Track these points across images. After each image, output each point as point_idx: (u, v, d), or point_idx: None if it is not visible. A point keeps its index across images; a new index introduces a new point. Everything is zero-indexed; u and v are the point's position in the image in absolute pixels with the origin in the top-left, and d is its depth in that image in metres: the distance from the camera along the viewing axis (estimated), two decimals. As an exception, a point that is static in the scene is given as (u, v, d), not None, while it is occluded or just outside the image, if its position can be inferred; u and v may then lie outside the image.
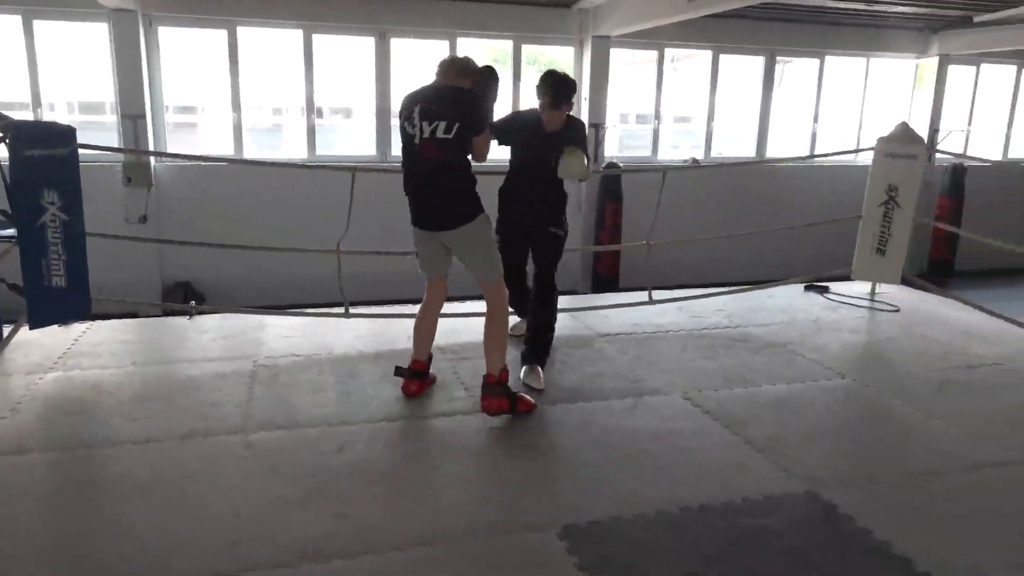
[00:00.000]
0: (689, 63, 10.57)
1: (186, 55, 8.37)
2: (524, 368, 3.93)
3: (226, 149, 8.44)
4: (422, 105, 3.29)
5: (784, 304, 5.55)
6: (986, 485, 2.99)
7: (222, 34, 8.14)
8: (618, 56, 9.44)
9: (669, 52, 9.76)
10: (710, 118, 10.03)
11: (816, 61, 10.21)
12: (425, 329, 3.73)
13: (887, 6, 8.83)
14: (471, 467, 3.08)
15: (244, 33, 8.22)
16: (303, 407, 3.57)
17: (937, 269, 10.42)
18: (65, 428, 3.31)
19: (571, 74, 10.06)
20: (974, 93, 11.04)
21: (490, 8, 8.60)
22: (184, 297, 8.06)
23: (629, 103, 10.42)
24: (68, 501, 2.76)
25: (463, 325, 4.82)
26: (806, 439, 3.34)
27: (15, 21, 7.55)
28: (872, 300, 5.61)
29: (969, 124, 11.14)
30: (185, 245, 5.61)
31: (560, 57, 9.86)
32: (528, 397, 3.59)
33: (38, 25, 7.62)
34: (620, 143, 10.43)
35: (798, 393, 3.88)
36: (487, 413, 3.44)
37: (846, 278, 5.86)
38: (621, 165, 9.33)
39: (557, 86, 3.79)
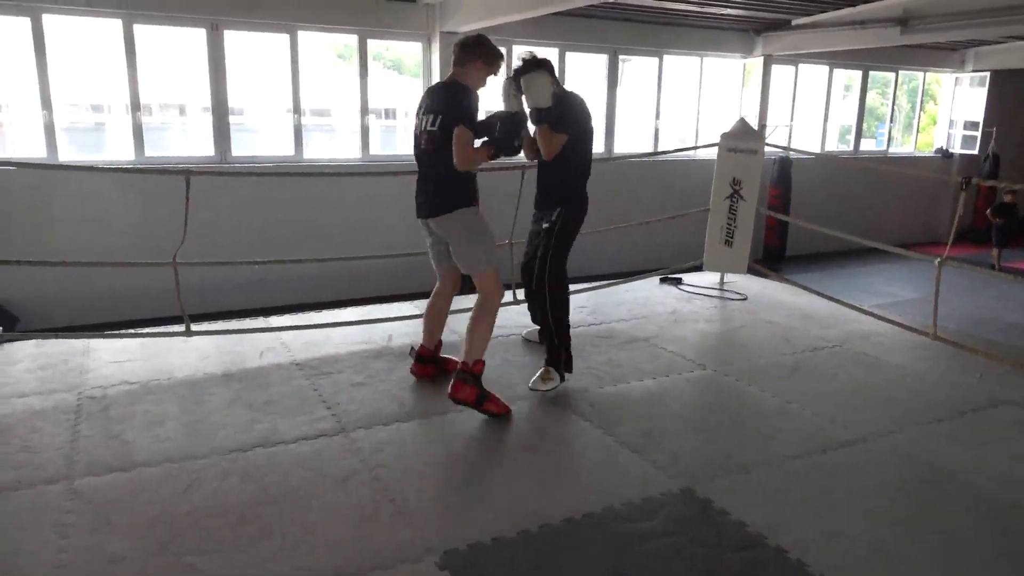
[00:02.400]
0: (536, 59, 10.66)
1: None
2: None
3: (37, 150, 7.50)
4: (425, 99, 3.57)
5: (642, 297, 5.67)
6: (845, 464, 3.15)
7: (24, 22, 7.21)
8: (466, 52, 9.34)
9: (516, 49, 9.78)
10: (560, 115, 10.16)
11: (655, 60, 10.62)
12: (432, 315, 3.87)
13: (717, 8, 9.32)
14: (339, 497, 2.82)
15: (52, 21, 7.33)
16: (140, 443, 3.17)
17: (771, 255, 11.18)
18: None
19: (420, 72, 9.84)
20: (794, 90, 11.93)
21: (332, 0, 8.22)
22: (-8, 320, 7.10)
23: (483, 100, 10.36)
24: None
25: (323, 336, 4.54)
26: (676, 434, 3.38)
27: None
28: (722, 290, 5.87)
29: (791, 119, 12.04)
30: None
31: (408, 53, 9.63)
32: (501, 402, 3.48)
33: None
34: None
35: (664, 387, 3.94)
36: (451, 398, 3.40)
37: (697, 269, 6.09)
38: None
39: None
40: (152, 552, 2.44)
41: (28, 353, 4.22)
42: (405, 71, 10.26)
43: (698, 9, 9.28)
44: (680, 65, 10.96)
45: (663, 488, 2.88)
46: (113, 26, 7.47)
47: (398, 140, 10.48)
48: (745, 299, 5.67)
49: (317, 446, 3.20)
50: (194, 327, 4.31)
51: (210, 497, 2.77)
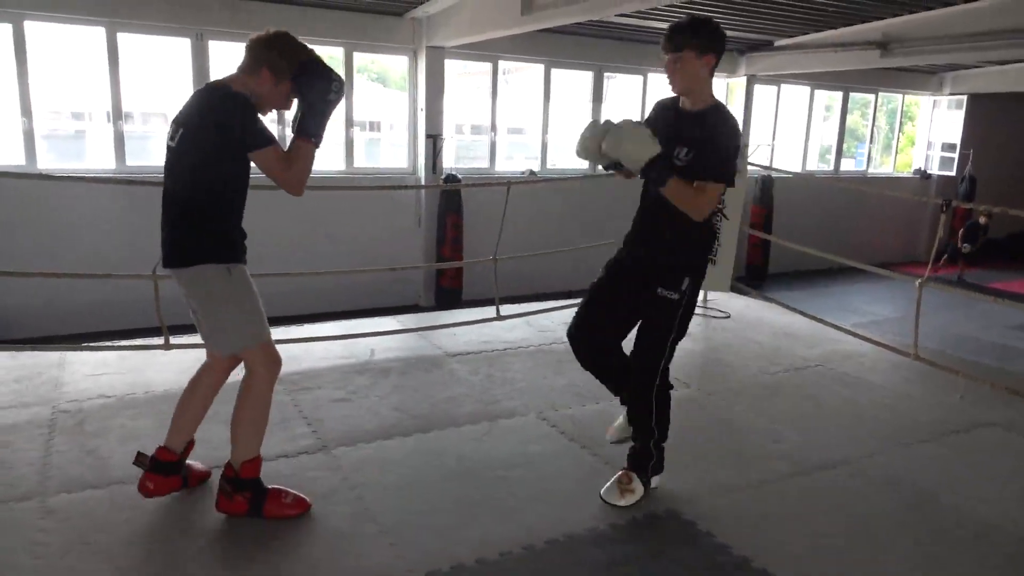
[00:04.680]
0: (520, 75, 10.71)
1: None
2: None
3: (15, 158, 7.40)
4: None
5: (626, 314, 5.67)
6: (829, 486, 3.15)
7: (5, 28, 7.12)
8: (452, 67, 9.36)
9: (502, 65, 9.83)
10: (544, 130, 10.21)
11: (640, 78, 10.71)
12: (186, 405, 2.83)
13: (702, 28, 9.43)
14: (321, 516, 2.77)
15: (33, 28, 7.25)
16: (116, 459, 3.10)
17: (753, 273, 11.27)
18: None
19: (405, 85, 9.84)
20: (776, 110, 12.08)
21: (318, 13, 8.20)
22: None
23: (464, 114, 10.38)
24: None
25: (303, 351, 4.49)
26: (711, 445, 3.37)
27: None
28: (705, 307, 5.88)
29: (773, 139, 12.18)
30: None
31: (392, 66, 9.63)
32: (291, 496, 2.73)
33: None
34: (456, 154, 10.37)
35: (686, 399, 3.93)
36: (220, 512, 2.68)
37: (681, 287, 6.09)
38: (460, 177, 9.25)
39: (681, 25, 2.66)
40: (127, 573, 2.38)
41: (1, 365, 4.14)
42: (390, 84, 10.26)
43: (683, 29, 9.38)
44: (665, 83, 11.06)
45: (647, 509, 2.86)
46: (96, 34, 7.41)
47: (382, 153, 10.46)
48: (728, 317, 5.70)
49: (298, 463, 3.15)
50: (173, 340, 4.24)
51: (188, 516, 2.71)
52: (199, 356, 4.31)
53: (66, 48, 7.69)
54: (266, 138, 2.49)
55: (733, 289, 6.11)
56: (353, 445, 3.33)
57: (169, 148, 2.54)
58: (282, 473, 3.05)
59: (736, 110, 11.63)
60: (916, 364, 4.56)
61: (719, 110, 2.72)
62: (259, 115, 2.53)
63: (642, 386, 2.87)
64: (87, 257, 7.07)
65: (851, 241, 12.14)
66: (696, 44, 2.65)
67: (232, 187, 2.55)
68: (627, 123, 2.64)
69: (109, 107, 7.62)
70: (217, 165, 2.48)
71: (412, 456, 3.29)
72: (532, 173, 9.97)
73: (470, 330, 5.08)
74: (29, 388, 3.83)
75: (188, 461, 2.87)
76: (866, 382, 4.42)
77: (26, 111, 7.31)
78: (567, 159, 10.75)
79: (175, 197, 2.56)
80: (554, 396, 3.95)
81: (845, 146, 13.06)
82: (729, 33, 10.09)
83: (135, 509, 2.73)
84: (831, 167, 13.00)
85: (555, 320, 5.43)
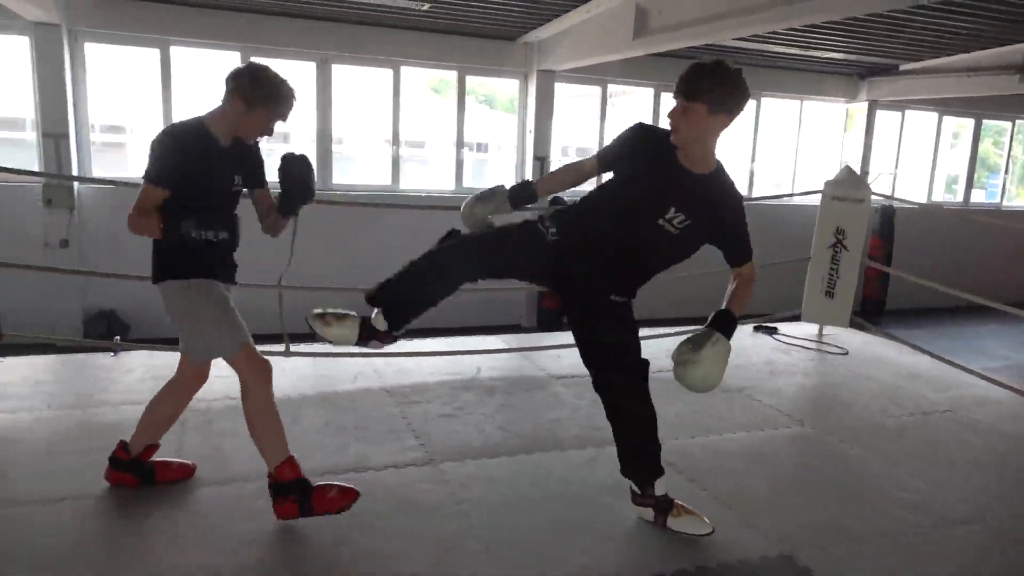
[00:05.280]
0: (625, 98, 10.69)
1: (114, 72, 7.93)
2: None
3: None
4: None
5: (736, 345, 5.40)
6: (958, 541, 2.93)
7: (153, 52, 7.75)
8: (560, 90, 9.45)
9: (612, 88, 9.83)
10: (653, 154, 10.10)
11: (753, 102, 10.46)
12: (154, 410, 2.98)
13: (820, 52, 9.12)
14: (426, 528, 2.82)
15: (177, 52, 7.86)
16: (239, 458, 3.26)
17: (870, 308, 10.71)
18: (-37, 486, 2.93)
19: (515, 107, 10.01)
20: (900, 137, 11.51)
21: (434, 38, 8.48)
22: (107, 327, 7.54)
23: (570, 136, 10.45)
24: (-37, 577, 2.41)
25: (414, 364, 4.60)
26: (773, 493, 3.23)
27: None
28: (820, 342, 5.64)
29: (896, 167, 11.60)
30: (108, 271, 5.21)
31: (500, 88, 9.82)
32: (337, 489, 2.73)
33: (-48, 36, 7.11)
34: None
35: (759, 442, 3.79)
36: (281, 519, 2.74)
37: (794, 319, 5.88)
38: (567, 199, 9.27)
39: (702, 70, 2.38)
40: (248, 568, 2.50)
41: (141, 363, 4.45)
42: (497, 106, 10.46)
43: (801, 53, 9.12)
44: (778, 108, 10.76)
45: (760, 551, 2.75)
46: (232, 58, 7.95)
47: (489, 174, 10.65)
48: (846, 353, 5.43)
49: (406, 475, 3.22)
50: (293, 348, 4.44)
51: (295, 521, 2.82)
52: (318, 363, 4.53)
53: (202, 69, 8.26)
54: (145, 171, 2.61)
55: (852, 324, 5.83)
56: (460, 460, 3.37)
57: None
58: (391, 484, 3.13)
59: (856, 137, 11.17)
60: (1059, 415, 4.20)
61: (723, 176, 2.52)
62: (170, 153, 2.62)
63: (640, 390, 2.71)
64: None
65: (981, 278, 11.31)
66: (712, 98, 2.35)
67: (170, 209, 2.60)
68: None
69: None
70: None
71: (517, 476, 3.29)
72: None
73: (573, 353, 5.04)
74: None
75: (163, 458, 3.02)
76: (1001, 431, 4.10)
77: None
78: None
79: None
80: (660, 426, 3.85)
81: (975, 176, 12.27)
82: (850, 57, 9.71)
83: (253, 505, 2.84)
84: (959, 198, 12.24)
85: (659, 347, 5.31)
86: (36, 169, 7.38)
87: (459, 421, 3.83)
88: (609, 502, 3.09)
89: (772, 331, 5.87)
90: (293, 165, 2.78)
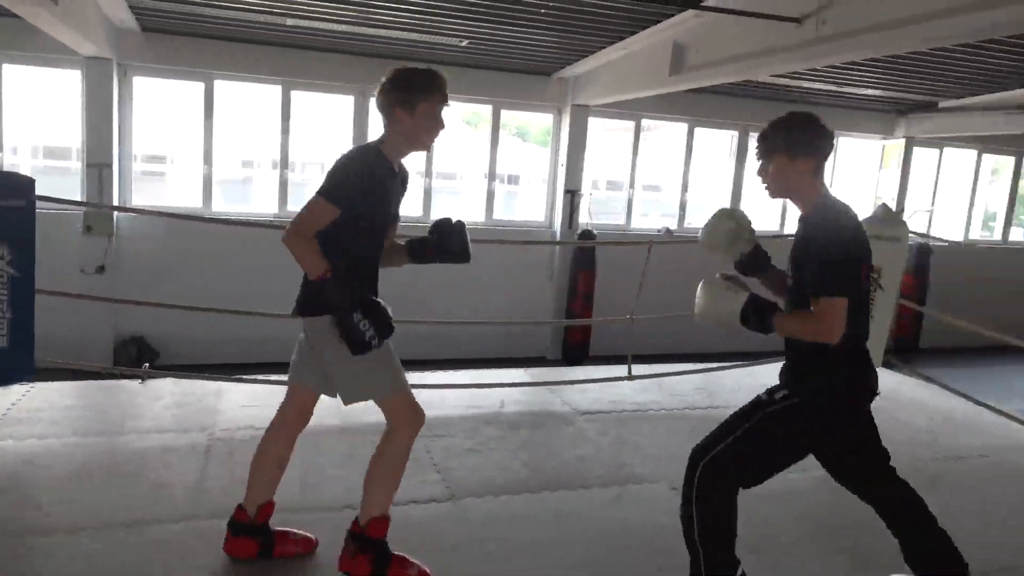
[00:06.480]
0: (658, 132, 10.71)
1: (158, 104, 8.18)
2: None
3: (195, 200, 8.19)
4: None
5: (764, 384, 5.37)
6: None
7: (198, 86, 7.98)
8: (594, 124, 9.51)
9: (645, 123, 9.86)
10: (684, 189, 10.09)
11: (787, 138, 10.41)
12: (263, 464, 2.74)
13: (856, 88, 9.06)
14: (448, 566, 2.79)
15: (221, 86, 8.08)
16: (261, 490, 3.26)
17: (902, 347, 10.46)
18: (-10, 511, 2.98)
19: (548, 141, 10.06)
20: (937, 175, 11.32)
21: (471, 73, 8.60)
22: (137, 353, 7.67)
23: (600, 169, 10.48)
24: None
25: (438, 397, 4.59)
26: (800, 538, 3.15)
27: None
28: (853, 382, 5.50)
29: (932, 205, 11.40)
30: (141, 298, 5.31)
31: (533, 121, 9.90)
32: (417, 568, 2.64)
33: (8, 69, 7.37)
34: (591, 209, 10.46)
35: (787, 483, 3.67)
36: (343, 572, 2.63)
37: (826, 358, 5.75)
38: (596, 233, 9.28)
39: (768, 129, 2.49)
40: (264, 603, 2.49)
41: (168, 390, 4.51)
42: (530, 139, 10.55)
43: (837, 89, 9.06)
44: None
45: (787, 600, 2.66)
46: (273, 91, 8.14)
47: (519, 205, 10.71)
48: (878, 394, 5.28)
49: (427, 511, 3.20)
50: (318, 378, 4.46)
51: (321, 552, 2.80)
52: (340, 396, 4.53)
53: (243, 102, 8.49)
54: (322, 187, 2.44)
55: (884, 365, 5.69)
56: (482, 497, 3.34)
57: None
58: (412, 520, 3.11)
59: (892, 173, 11.01)
60: (1105, 465, 4.04)
61: (822, 208, 2.47)
62: (357, 172, 2.47)
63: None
64: (237, 292, 7.63)
65: (1019, 317, 11.04)
66: (786, 148, 2.44)
67: (336, 238, 2.51)
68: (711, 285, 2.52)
69: (277, 156, 8.31)
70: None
71: (541, 515, 3.25)
72: (668, 231, 9.85)
73: (598, 388, 5.02)
74: (190, 414, 4.14)
75: (286, 529, 2.78)
76: (1042, 480, 3.95)
77: (208, 159, 8.10)
78: (705, 218, 10.56)
79: None
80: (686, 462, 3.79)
81: (1015, 213, 12.01)
82: (887, 94, 9.55)
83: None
84: (996, 235, 11.97)
85: (686, 384, 5.27)
86: (79, 198, 7.59)
87: (482, 457, 3.80)
88: (633, 544, 3.03)
89: (803, 370, 5.75)
90: (458, 233, 2.76)
